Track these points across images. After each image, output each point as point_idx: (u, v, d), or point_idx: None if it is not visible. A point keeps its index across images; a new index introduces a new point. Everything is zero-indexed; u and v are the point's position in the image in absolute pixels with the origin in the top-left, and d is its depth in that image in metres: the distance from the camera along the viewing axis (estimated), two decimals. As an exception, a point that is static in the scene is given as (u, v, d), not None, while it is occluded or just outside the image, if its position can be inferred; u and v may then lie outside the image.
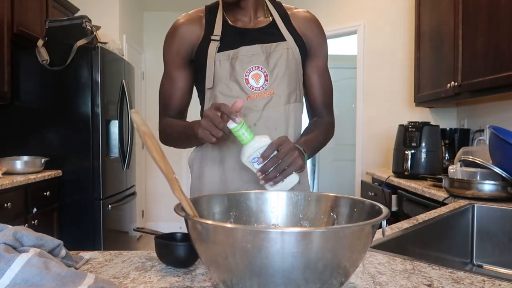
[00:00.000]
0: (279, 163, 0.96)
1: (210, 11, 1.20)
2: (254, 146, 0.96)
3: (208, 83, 1.15)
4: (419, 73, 3.04)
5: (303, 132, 1.22)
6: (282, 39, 1.17)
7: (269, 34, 1.17)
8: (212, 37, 1.15)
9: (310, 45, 1.21)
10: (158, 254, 0.81)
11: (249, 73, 1.13)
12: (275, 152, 0.96)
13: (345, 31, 3.91)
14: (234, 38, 1.15)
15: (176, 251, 0.77)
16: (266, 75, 1.14)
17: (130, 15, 4.56)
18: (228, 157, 1.18)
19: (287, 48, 1.16)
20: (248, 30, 1.17)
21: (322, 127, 1.23)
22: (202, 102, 1.22)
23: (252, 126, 1.14)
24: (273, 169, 0.96)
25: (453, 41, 2.45)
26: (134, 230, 0.96)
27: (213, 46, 1.14)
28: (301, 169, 1.00)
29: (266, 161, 0.96)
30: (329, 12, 4.00)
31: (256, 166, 0.98)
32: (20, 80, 3.02)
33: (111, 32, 3.94)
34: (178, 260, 0.78)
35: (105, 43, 3.31)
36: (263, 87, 1.14)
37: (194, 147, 1.28)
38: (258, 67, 1.14)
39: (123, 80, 3.52)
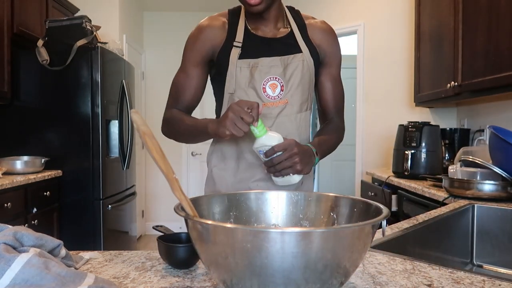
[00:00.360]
0: (279, 163, 1.06)
1: (233, 16, 1.25)
2: (262, 142, 1.06)
3: (230, 88, 1.21)
4: (419, 73, 3.04)
5: (316, 133, 1.29)
6: (299, 50, 1.23)
7: (287, 45, 1.23)
8: (235, 43, 1.21)
9: (324, 55, 1.28)
10: (160, 254, 0.81)
11: (267, 82, 1.21)
12: (279, 153, 1.06)
13: (345, 31, 3.91)
14: (255, 47, 1.21)
15: (177, 253, 0.78)
16: (282, 85, 1.21)
17: (130, 15, 4.56)
18: (245, 152, 1.24)
19: (303, 60, 1.23)
20: (269, 40, 1.23)
21: (334, 131, 1.31)
22: (219, 103, 1.27)
23: None
24: (273, 167, 1.07)
25: (453, 41, 2.45)
26: (153, 228, 0.98)
27: (235, 52, 1.20)
28: (301, 172, 1.08)
29: (268, 158, 1.07)
30: (329, 12, 4.00)
31: (262, 157, 1.10)
32: (20, 80, 3.03)
33: (111, 32, 3.94)
34: (179, 261, 0.78)
35: (105, 43, 3.31)
36: (278, 96, 1.22)
37: (211, 143, 1.33)
38: (276, 78, 1.21)
39: (123, 80, 3.52)
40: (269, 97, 1.21)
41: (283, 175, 1.09)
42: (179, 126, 1.23)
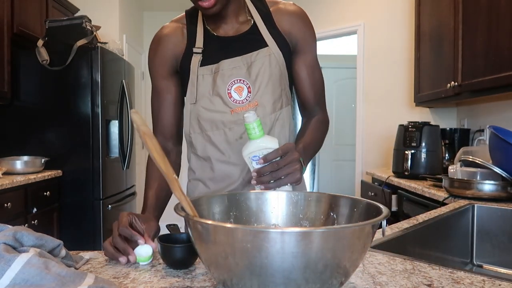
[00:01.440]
0: (277, 170, 0.91)
1: (191, 19, 1.17)
2: (259, 144, 0.91)
3: (191, 99, 1.13)
4: (419, 73, 3.04)
5: (298, 136, 1.17)
6: (264, 44, 1.12)
7: (250, 41, 1.13)
8: (194, 50, 1.13)
9: (295, 43, 1.16)
10: (160, 254, 0.81)
11: (231, 86, 1.11)
12: (278, 158, 0.91)
13: (345, 31, 3.91)
14: (215, 50, 1.13)
15: (173, 253, 0.78)
16: (249, 86, 1.11)
17: (130, 15, 4.56)
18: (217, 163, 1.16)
19: (269, 54, 1.12)
20: (229, 39, 1.13)
21: (317, 129, 1.18)
22: (186, 115, 1.19)
23: (238, 139, 1.12)
24: (269, 174, 0.91)
25: (453, 41, 2.45)
26: (166, 226, 0.96)
27: (196, 60, 1.12)
28: (297, 182, 0.94)
29: (266, 164, 0.91)
30: (329, 12, 4.00)
31: (254, 165, 0.93)
32: (20, 80, 3.03)
33: (111, 32, 3.94)
34: (176, 261, 0.78)
35: (105, 43, 3.31)
36: (246, 99, 1.11)
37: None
38: (240, 80, 1.11)
39: (123, 80, 3.52)
40: (236, 101, 1.11)
41: (278, 185, 0.92)
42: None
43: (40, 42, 2.96)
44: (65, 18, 3.10)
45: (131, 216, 0.87)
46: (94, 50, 3.03)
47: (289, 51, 1.15)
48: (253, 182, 0.92)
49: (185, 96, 1.18)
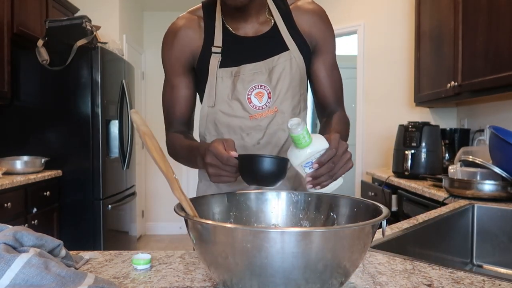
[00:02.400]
0: (333, 167, 0.85)
1: (208, 12, 1.12)
2: (310, 151, 0.84)
3: (209, 102, 1.10)
4: (419, 73, 3.04)
5: (327, 125, 1.11)
6: (285, 48, 1.09)
7: (271, 44, 1.10)
8: (213, 49, 1.09)
9: (315, 43, 1.13)
10: (241, 171, 0.80)
11: (252, 91, 1.08)
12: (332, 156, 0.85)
13: (345, 31, 3.91)
14: (236, 52, 1.09)
15: (261, 165, 0.77)
16: (269, 92, 1.09)
17: (130, 15, 4.56)
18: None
19: (290, 58, 1.09)
20: (250, 40, 1.10)
21: (342, 121, 1.13)
22: (201, 115, 1.17)
23: (256, 144, 1.10)
24: (326, 174, 0.85)
25: (453, 41, 2.45)
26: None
27: (215, 61, 1.08)
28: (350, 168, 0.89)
29: (322, 166, 0.84)
30: (329, 12, 3.96)
31: (307, 171, 0.86)
32: (20, 80, 3.03)
33: (111, 32, 3.94)
34: (263, 175, 0.78)
35: (105, 43, 3.31)
36: (266, 105, 1.09)
37: None
38: (261, 86, 1.08)
39: (123, 80, 3.52)
40: (256, 107, 1.08)
41: (335, 179, 0.87)
42: (179, 154, 1.10)
43: (40, 42, 2.96)
44: (65, 18, 3.10)
45: (223, 143, 0.88)
46: (94, 50, 3.03)
47: (309, 53, 1.13)
48: (309, 186, 0.87)
49: (200, 94, 1.15)
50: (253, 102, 1.08)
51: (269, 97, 1.09)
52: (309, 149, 0.83)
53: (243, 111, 1.09)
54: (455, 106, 3.22)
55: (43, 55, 2.92)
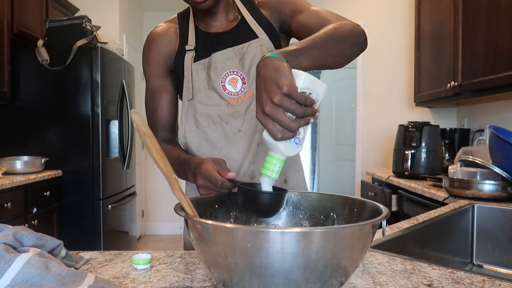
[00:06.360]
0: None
1: (183, 19, 1.19)
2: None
3: (188, 95, 1.13)
4: (419, 73, 3.04)
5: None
6: (254, 36, 1.12)
7: (241, 34, 1.13)
8: (187, 47, 1.14)
9: (281, 20, 1.12)
10: (242, 202, 0.80)
11: (225, 78, 1.11)
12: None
13: (345, 31, 3.91)
14: (207, 45, 1.13)
15: (261, 200, 0.77)
16: (243, 78, 1.11)
17: (130, 15, 4.56)
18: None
19: (261, 45, 1.11)
20: (220, 34, 1.14)
21: (327, 28, 0.88)
22: (182, 112, 1.18)
23: (237, 132, 1.11)
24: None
25: (453, 41, 2.45)
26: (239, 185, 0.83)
27: (189, 57, 1.13)
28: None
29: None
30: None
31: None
32: (20, 80, 3.03)
33: (111, 32, 3.94)
34: (262, 208, 0.78)
35: (105, 43, 3.31)
36: (241, 91, 1.11)
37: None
38: (234, 71, 1.11)
39: (123, 80, 3.52)
40: (231, 94, 1.10)
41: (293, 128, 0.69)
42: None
43: (40, 42, 2.96)
44: (65, 18, 3.10)
45: (215, 164, 0.89)
46: (94, 50, 3.03)
47: (277, 39, 1.13)
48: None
49: (180, 94, 1.17)
50: (227, 88, 1.11)
51: (243, 83, 1.11)
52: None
53: (219, 98, 1.11)
54: (455, 106, 3.22)
55: (43, 55, 2.92)
